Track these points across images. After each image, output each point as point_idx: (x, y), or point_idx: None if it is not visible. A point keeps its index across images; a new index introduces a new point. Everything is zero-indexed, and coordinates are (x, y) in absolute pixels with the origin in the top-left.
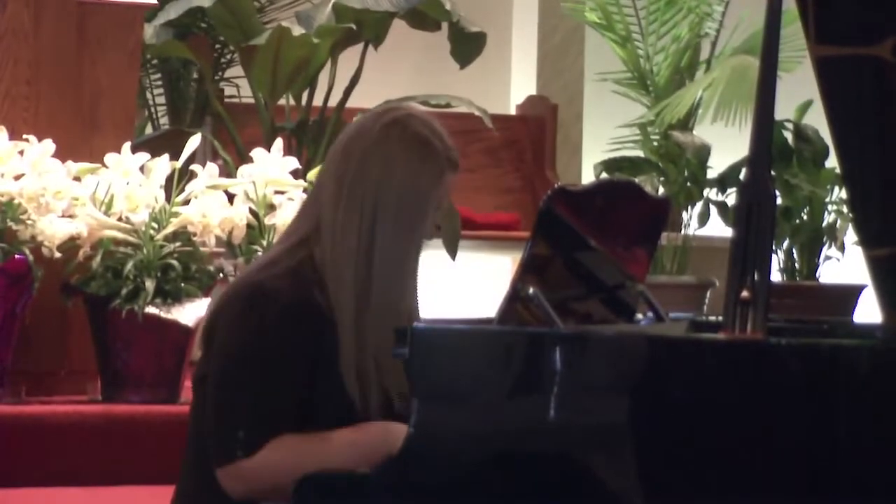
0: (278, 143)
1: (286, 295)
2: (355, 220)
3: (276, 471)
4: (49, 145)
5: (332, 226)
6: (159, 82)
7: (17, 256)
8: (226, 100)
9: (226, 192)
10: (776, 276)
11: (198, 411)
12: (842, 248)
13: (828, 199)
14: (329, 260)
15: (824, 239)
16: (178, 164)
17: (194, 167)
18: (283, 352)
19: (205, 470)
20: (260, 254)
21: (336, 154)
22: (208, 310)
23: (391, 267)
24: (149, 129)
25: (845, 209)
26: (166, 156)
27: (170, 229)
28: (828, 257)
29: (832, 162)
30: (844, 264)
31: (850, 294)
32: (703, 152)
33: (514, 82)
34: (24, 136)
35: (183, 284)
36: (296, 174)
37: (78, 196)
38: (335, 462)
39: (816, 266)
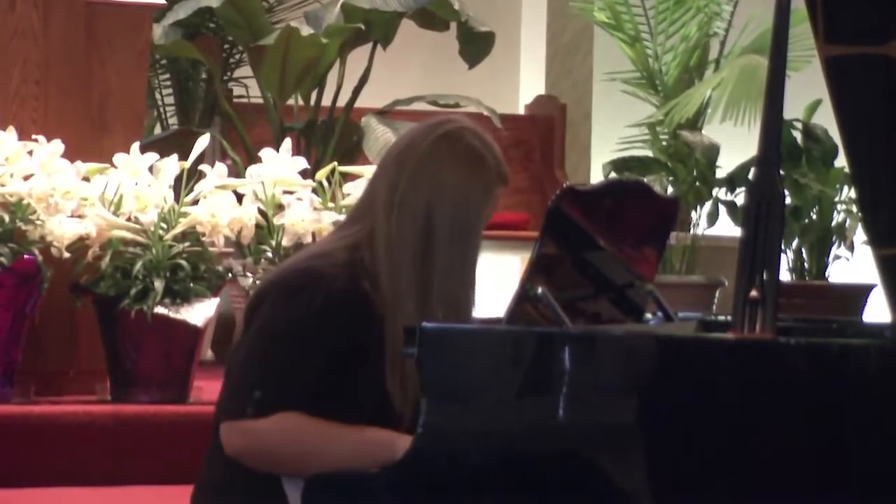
0: (287, 143)
1: (340, 281)
2: (409, 231)
3: (278, 439)
4: (58, 145)
5: (386, 235)
6: (168, 82)
7: (26, 256)
8: (234, 100)
9: (234, 192)
10: (785, 276)
11: None
12: (851, 248)
13: (837, 199)
14: (385, 268)
15: (833, 238)
16: (187, 164)
17: (203, 167)
18: (325, 335)
19: (231, 459)
20: (269, 255)
21: (388, 163)
22: (250, 296)
23: (451, 275)
24: (157, 130)
25: (854, 208)
26: (175, 156)
27: (179, 229)
28: (837, 257)
29: (841, 161)
30: (854, 264)
31: (859, 293)
32: (712, 152)
33: (523, 82)
34: (34, 137)
35: (192, 284)
36: (304, 174)
37: (87, 196)
38: (335, 453)
39: (826, 265)
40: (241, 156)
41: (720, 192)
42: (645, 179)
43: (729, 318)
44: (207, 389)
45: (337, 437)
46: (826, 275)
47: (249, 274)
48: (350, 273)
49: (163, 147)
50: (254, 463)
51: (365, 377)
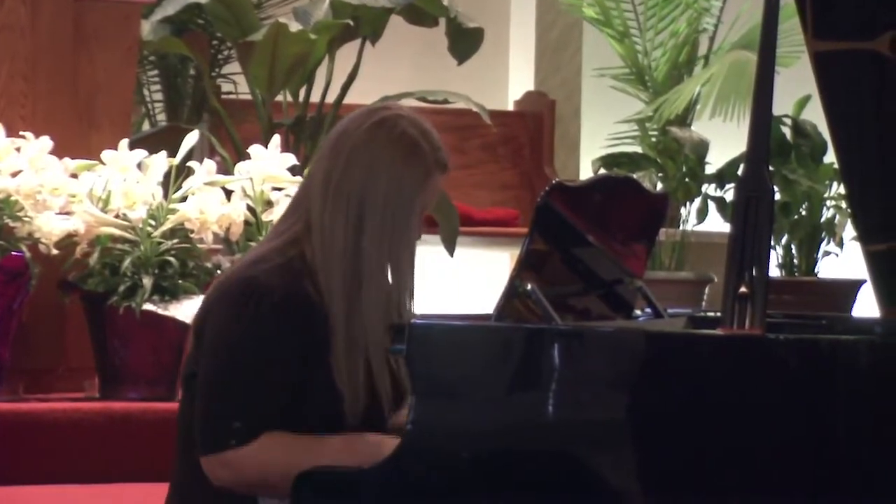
0: (276, 140)
1: (279, 289)
2: (341, 221)
3: (266, 464)
4: (46, 142)
5: (320, 226)
6: (156, 79)
7: (14, 253)
8: (223, 96)
9: (223, 188)
10: (774, 272)
11: (186, 407)
12: (840, 244)
13: (826, 195)
14: (319, 259)
15: (823, 234)
16: (176, 160)
17: (192, 164)
18: (278, 346)
19: (196, 463)
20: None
21: (324, 152)
22: (199, 307)
23: (379, 267)
24: (146, 126)
25: (844, 204)
26: (164, 152)
27: (167, 226)
28: (826, 253)
29: (830, 157)
30: (843, 260)
31: (848, 289)
32: (702, 148)
33: (512, 78)
34: (21, 133)
35: (180, 281)
36: (293, 170)
37: (75, 193)
38: (324, 465)
39: (815, 261)
40: (230, 152)
41: (709, 189)
42: (634, 175)
43: (718, 314)
44: None
45: (323, 450)
46: (815, 271)
47: None
48: (288, 278)
49: (151, 143)
50: (244, 490)
51: (317, 377)
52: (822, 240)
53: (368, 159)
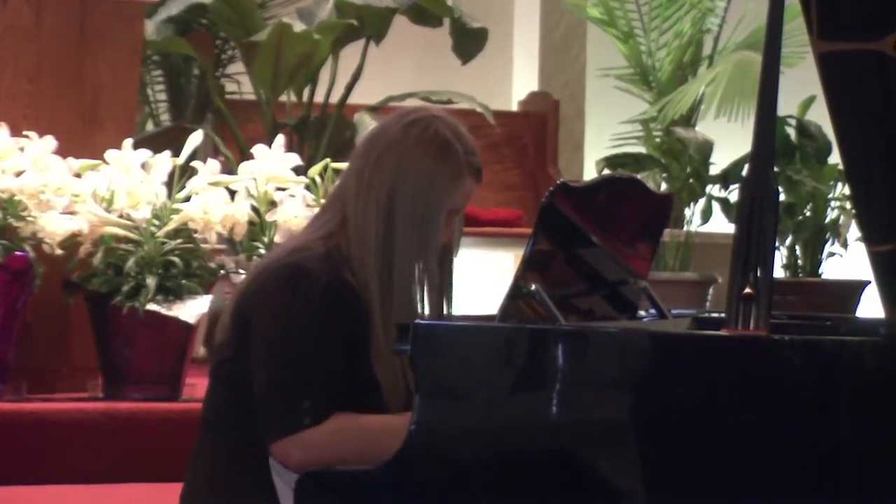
0: (279, 140)
1: (324, 274)
2: (372, 215)
3: (342, 441)
4: (50, 142)
5: (354, 220)
6: (160, 78)
7: (18, 253)
8: (227, 96)
9: (227, 188)
10: (779, 273)
11: (216, 394)
12: (845, 245)
13: (831, 196)
14: (354, 253)
15: (827, 235)
16: (180, 160)
17: (195, 164)
18: (331, 328)
19: (224, 450)
20: (262, 251)
21: (359, 151)
22: (233, 294)
23: (408, 263)
24: (150, 126)
25: (848, 205)
26: (167, 152)
27: (171, 226)
28: (831, 253)
29: (835, 158)
30: (847, 260)
31: (853, 290)
32: (706, 148)
33: (516, 78)
34: (25, 133)
35: (184, 281)
36: (297, 170)
37: (79, 193)
38: (396, 440)
39: (819, 262)
40: (234, 152)
41: (714, 189)
42: (638, 176)
43: (723, 314)
44: (200, 387)
45: (396, 428)
46: (820, 271)
47: (242, 271)
48: (331, 266)
49: (155, 143)
50: (314, 467)
51: (359, 366)
52: (827, 240)
53: (400, 157)
